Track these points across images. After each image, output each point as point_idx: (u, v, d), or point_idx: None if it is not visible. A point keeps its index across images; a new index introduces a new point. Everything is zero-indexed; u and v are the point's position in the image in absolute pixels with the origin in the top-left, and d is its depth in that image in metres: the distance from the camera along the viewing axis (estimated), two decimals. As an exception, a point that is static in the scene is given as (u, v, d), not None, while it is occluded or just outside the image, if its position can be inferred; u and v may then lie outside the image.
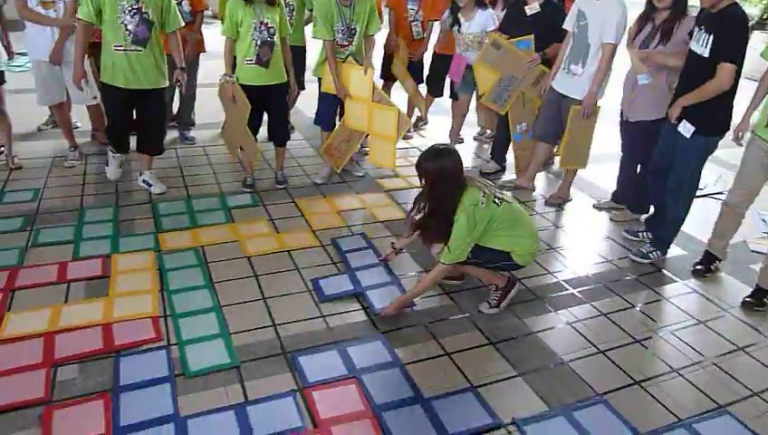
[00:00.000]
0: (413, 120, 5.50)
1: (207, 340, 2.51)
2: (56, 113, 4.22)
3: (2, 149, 4.25)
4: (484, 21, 4.28)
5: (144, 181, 3.95)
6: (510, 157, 4.64)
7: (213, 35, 4.81)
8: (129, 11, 3.45)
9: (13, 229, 3.32)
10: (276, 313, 2.71)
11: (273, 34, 3.68)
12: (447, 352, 2.53)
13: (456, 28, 4.38)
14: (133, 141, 3.94)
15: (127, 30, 3.48)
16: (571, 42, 3.79)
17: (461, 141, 5.27)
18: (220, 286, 2.91)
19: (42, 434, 1.99)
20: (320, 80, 4.17)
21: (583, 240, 3.66)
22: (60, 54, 3.87)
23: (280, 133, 4.03)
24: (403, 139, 5.30)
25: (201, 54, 4.74)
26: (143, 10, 3.48)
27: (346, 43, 3.96)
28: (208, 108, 5.12)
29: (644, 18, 3.49)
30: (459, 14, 4.33)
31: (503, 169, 4.65)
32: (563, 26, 3.86)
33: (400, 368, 2.41)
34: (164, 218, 3.56)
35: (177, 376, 2.30)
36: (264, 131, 4.02)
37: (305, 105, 5.29)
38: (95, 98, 4.08)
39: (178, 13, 3.76)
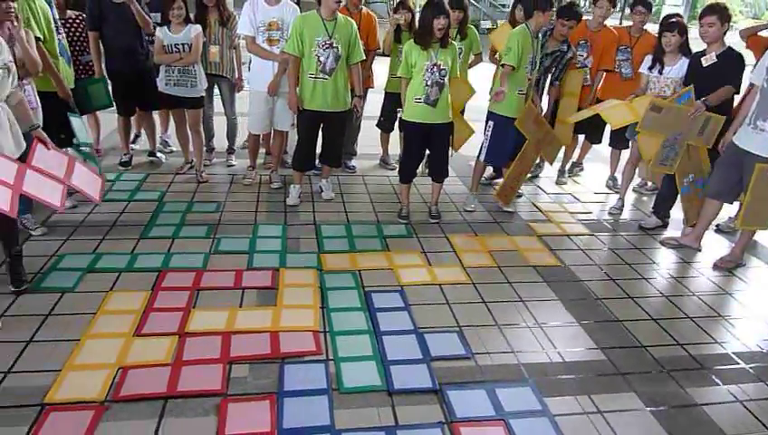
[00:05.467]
0: (568, 165, 5.42)
1: (362, 360, 2.64)
2: (251, 138, 4.73)
3: (192, 163, 4.84)
4: (685, 68, 4.16)
5: (320, 187, 4.57)
6: (673, 213, 4.41)
7: (381, 71, 5.14)
8: (323, 45, 3.93)
9: (199, 236, 3.76)
10: (428, 344, 2.78)
11: (444, 76, 3.85)
12: (600, 410, 2.44)
13: (656, 71, 4.29)
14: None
15: (319, 61, 3.96)
16: (758, 96, 3.55)
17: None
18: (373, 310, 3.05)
19: (218, 423, 2.22)
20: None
21: (758, 310, 3.34)
22: (276, 86, 4.33)
23: (440, 170, 4.18)
24: (556, 184, 5.25)
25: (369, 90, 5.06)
26: (334, 45, 3.95)
27: (530, 77, 4.21)
28: (369, 139, 5.43)
29: None
30: (664, 58, 4.26)
31: (665, 226, 4.40)
32: (751, 80, 3.64)
33: (550, 418, 2.36)
34: (326, 240, 3.82)
35: (333, 390, 2.44)
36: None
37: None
38: (293, 125, 4.54)
39: (361, 47, 4.14)
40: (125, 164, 4.88)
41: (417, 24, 4.51)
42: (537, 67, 4.27)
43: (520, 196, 4.81)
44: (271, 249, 3.63)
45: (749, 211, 3.67)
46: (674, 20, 4.24)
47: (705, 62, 3.93)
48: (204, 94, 4.64)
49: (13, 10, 3.16)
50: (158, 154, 5.12)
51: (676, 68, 4.20)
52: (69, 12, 4.48)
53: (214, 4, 4.58)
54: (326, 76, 4.01)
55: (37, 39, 3.48)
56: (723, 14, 3.83)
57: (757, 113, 3.54)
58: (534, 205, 4.73)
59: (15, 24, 3.21)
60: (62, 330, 2.71)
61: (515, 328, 2.99)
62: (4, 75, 2.80)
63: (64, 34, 4.07)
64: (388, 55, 4.96)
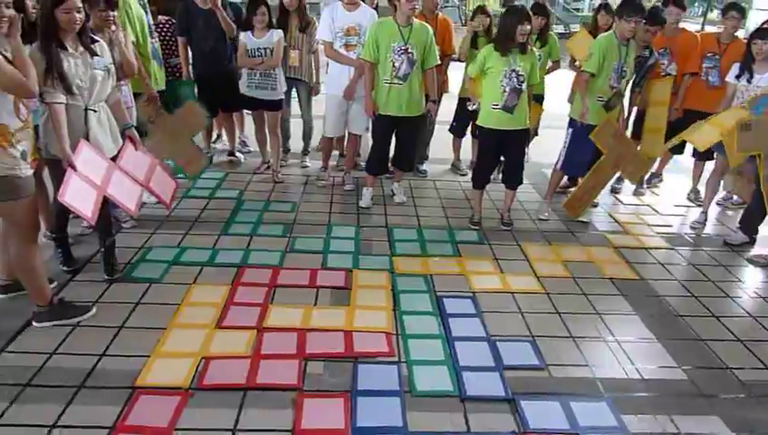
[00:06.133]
0: (647, 175, 5.23)
1: (433, 364, 2.65)
2: (325, 141, 4.84)
3: (269, 164, 5.00)
4: None
5: (392, 190, 4.63)
6: (762, 228, 4.17)
7: (456, 77, 5.15)
8: (398, 51, 3.98)
9: (276, 235, 3.88)
10: (501, 352, 2.76)
11: (522, 82, 3.81)
12: (681, 431, 2.35)
13: (744, 79, 4.09)
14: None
15: (394, 67, 4.01)
16: None
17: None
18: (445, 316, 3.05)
19: (294, 416, 2.28)
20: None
21: None
22: (353, 91, 4.42)
23: (514, 177, 4.14)
24: (634, 195, 5.08)
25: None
26: (409, 51, 3.99)
27: (616, 86, 4.10)
28: (441, 144, 5.44)
29: None
30: (753, 66, 4.05)
31: (752, 242, 4.17)
32: None
33: (627, 437, 2.30)
34: (398, 243, 3.85)
35: (405, 392, 2.46)
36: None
37: (533, 151, 5.35)
38: (367, 129, 4.63)
39: (437, 53, 4.16)
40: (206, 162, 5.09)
41: (495, 29, 4.50)
42: (625, 75, 4.11)
43: (595, 205, 4.68)
44: (344, 250, 3.70)
45: None
46: (766, 26, 4.03)
47: None
48: (283, 97, 4.79)
49: (112, 18, 3.37)
50: (237, 154, 5.32)
51: (767, 76, 3.98)
52: (159, 17, 4.72)
53: (295, 9, 4.72)
54: (401, 81, 4.05)
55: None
56: None
57: None
58: (611, 216, 4.60)
59: (114, 28, 3.42)
60: (150, 318, 2.87)
61: (591, 341, 2.92)
62: (104, 77, 2.99)
63: (157, 38, 4.31)
64: (463, 61, 4.95)
